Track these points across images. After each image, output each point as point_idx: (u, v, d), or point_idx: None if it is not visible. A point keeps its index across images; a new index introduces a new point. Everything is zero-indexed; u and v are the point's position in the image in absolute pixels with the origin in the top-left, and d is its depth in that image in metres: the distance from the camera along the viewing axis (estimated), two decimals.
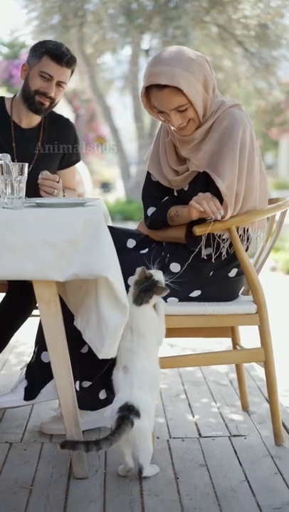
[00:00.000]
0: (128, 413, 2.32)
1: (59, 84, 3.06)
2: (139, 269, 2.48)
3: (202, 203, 2.50)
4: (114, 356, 2.38)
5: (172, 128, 2.66)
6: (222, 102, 2.65)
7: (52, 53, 3.02)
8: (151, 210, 2.80)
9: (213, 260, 2.65)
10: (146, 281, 2.46)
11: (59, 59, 3.02)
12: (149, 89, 2.58)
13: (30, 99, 3.07)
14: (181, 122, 2.59)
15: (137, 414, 2.33)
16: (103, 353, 2.34)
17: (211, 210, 2.50)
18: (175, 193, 2.78)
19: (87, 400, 2.78)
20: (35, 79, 3.05)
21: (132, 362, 2.42)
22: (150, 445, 2.40)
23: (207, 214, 2.51)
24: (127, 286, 2.59)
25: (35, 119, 3.18)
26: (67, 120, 3.30)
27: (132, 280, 2.49)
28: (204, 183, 2.65)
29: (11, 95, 3.24)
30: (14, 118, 3.16)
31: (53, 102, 3.09)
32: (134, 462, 2.42)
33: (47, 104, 3.08)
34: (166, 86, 2.51)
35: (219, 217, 2.54)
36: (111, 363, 2.69)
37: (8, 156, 2.48)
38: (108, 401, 2.80)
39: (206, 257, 2.66)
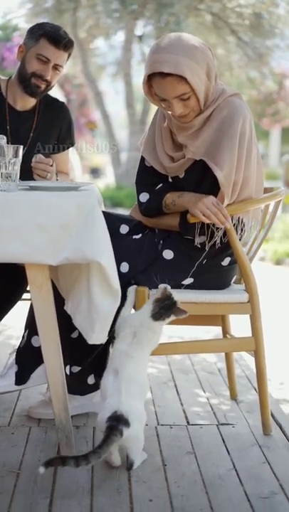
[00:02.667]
0: (117, 423, 2.27)
1: (56, 67, 3.03)
2: (161, 287, 2.46)
3: (211, 217, 2.51)
4: (104, 342, 2.37)
5: (170, 113, 2.64)
6: (223, 90, 2.63)
7: (50, 36, 2.99)
8: (143, 196, 2.78)
9: (206, 248, 2.64)
10: (168, 300, 2.44)
11: (57, 42, 2.99)
12: (151, 77, 2.54)
13: (27, 81, 3.04)
14: (182, 111, 2.56)
15: (126, 423, 2.28)
16: (93, 339, 2.33)
17: (219, 222, 2.52)
18: (170, 179, 2.76)
19: (76, 385, 2.77)
20: (32, 61, 3.02)
21: (123, 366, 2.38)
22: (141, 443, 2.39)
23: (216, 224, 2.54)
24: (120, 273, 2.59)
25: (31, 102, 3.15)
26: (63, 104, 3.27)
27: (152, 297, 2.47)
28: (201, 171, 2.63)
29: (5, 78, 3.21)
30: (9, 100, 3.13)
31: (49, 85, 3.06)
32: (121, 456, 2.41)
33: (43, 87, 3.05)
34: (169, 74, 2.48)
35: (228, 226, 2.55)
36: (101, 348, 2.69)
37: (4, 137, 2.45)
38: (97, 386, 2.79)
39: (199, 245, 2.65)
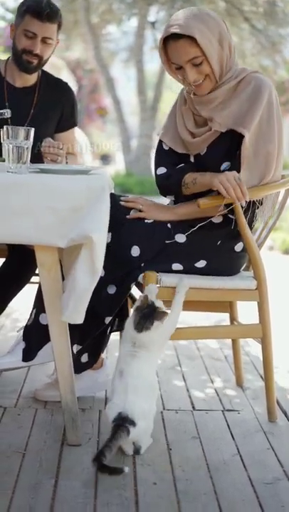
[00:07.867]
0: (123, 422, 2.29)
1: (44, 40, 3.05)
2: (141, 296, 2.43)
3: (229, 190, 2.50)
4: (80, 323, 2.32)
5: (188, 88, 2.66)
6: (243, 68, 2.70)
7: (32, 10, 3.01)
8: (161, 170, 2.80)
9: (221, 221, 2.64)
10: (147, 308, 2.39)
11: (39, 15, 3.00)
12: (167, 44, 2.61)
13: (19, 58, 3.08)
14: (196, 77, 2.60)
15: (132, 423, 2.30)
16: (66, 316, 2.29)
17: (236, 197, 2.51)
18: (192, 159, 2.76)
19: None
20: (21, 38, 3.06)
21: (127, 365, 2.39)
22: (148, 436, 2.43)
23: (232, 200, 2.52)
24: (131, 257, 2.59)
25: (30, 80, 3.17)
26: (66, 84, 3.30)
27: (133, 306, 2.44)
28: (224, 148, 2.65)
29: (4, 58, 3.23)
30: (8, 78, 3.18)
31: (41, 60, 3.09)
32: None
33: (35, 62, 3.07)
34: (181, 37, 2.54)
35: (244, 204, 2.55)
36: (102, 328, 2.69)
37: (9, 110, 2.47)
38: (88, 364, 2.80)
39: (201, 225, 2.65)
